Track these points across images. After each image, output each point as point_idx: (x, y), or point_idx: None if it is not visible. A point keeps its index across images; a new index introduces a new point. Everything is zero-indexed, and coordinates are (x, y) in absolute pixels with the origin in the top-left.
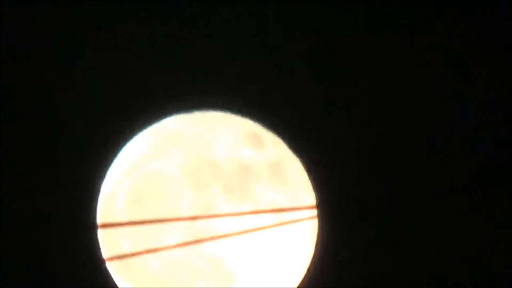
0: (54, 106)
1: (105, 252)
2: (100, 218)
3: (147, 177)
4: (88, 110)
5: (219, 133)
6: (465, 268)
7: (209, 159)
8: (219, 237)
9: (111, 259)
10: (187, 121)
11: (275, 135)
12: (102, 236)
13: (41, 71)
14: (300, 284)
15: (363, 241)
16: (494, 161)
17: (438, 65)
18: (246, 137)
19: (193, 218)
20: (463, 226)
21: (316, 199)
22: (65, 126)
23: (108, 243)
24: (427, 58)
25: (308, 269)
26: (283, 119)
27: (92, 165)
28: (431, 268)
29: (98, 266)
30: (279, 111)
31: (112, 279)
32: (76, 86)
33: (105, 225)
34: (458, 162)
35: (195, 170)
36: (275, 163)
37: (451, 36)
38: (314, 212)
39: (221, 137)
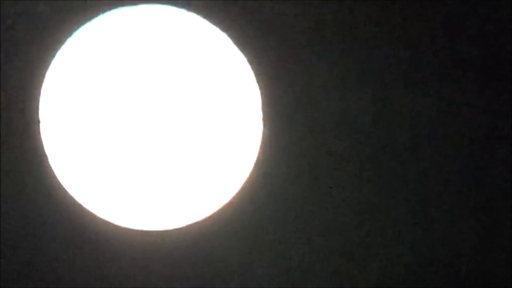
0: None
1: (48, 148)
2: (43, 113)
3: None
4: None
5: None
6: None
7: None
8: (165, 135)
9: (54, 154)
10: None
11: (222, 31)
12: (45, 130)
13: None
14: (244, 184)
15: (308, 144)
16: None
17: None
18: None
19: (138, 115)
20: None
21: (261, 100)
22: (8, 13)
23: (52, 138)
24: None
25: (252, 172)
26: (231, 14)
27: (35, 58)
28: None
29: (42, 161)
30: (226, 6)
31: (55, 175)
32: None
33: (47, 119)
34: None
35: (144, 67)
36: (221, 62)
37: None
38: (260, 113)
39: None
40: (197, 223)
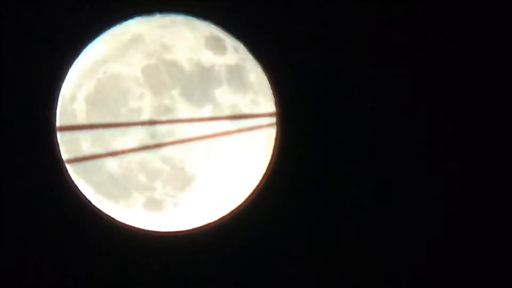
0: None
1: (65, 154)
2: (59, 121)
3: (107, 79)
4: (49, 11)
5: (180, 36)
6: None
7: (170, 61)
8: (178, 141)
9: (71, 161)
10: (148, 24)
11: (237, 40)
12: (62, 138)
13: None
14: (256, 188)
15: (321, 150)
16: None
17: None
18: (208, 41)
19: (152, 122)
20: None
21: (276, 106)
22: (25, 25)
23: (68, 145)
24: None
25: (264, 175)
26: (245, 23)
27: (52, 66)
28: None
29: (58, 167)
30: (241, 15)
31: (71, 181)
32: None
33: (64, 128)
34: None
35: (155, 72)
36: (236, 68)
37: None
38: (273, 119)
39: (182, 40)
40: (207, 226)
